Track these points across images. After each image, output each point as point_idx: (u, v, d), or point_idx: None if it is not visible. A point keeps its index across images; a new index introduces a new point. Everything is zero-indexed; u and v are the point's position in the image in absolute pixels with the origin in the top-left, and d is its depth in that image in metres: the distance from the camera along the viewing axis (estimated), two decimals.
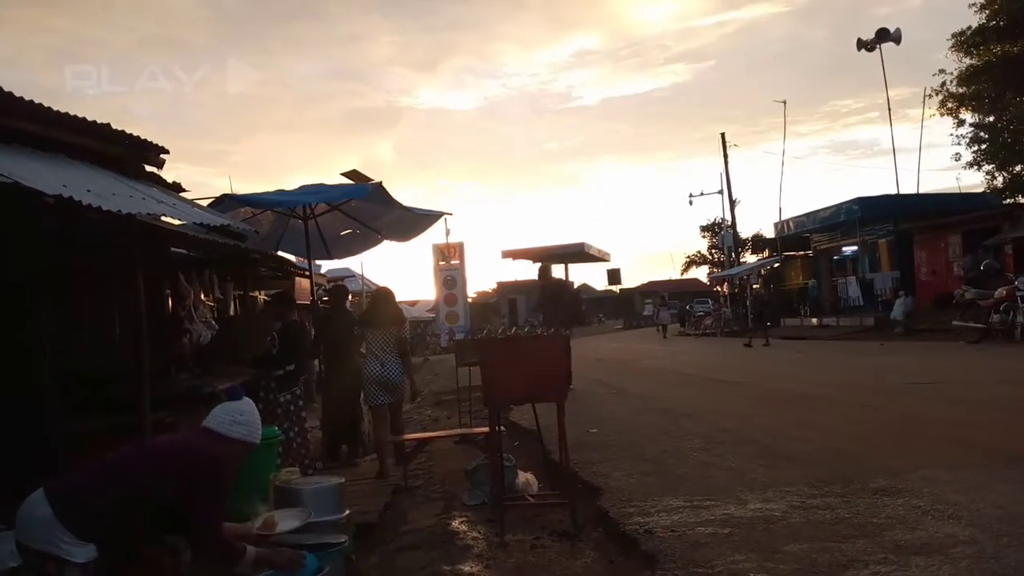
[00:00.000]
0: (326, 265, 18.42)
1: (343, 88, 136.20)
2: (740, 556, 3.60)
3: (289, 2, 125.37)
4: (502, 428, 5.49)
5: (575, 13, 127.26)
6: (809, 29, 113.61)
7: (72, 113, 4.73)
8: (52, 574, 2.79)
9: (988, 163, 28.68)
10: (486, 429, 5.79)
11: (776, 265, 34.32)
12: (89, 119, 4.89)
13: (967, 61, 27.40)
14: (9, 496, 3.23)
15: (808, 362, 15.35)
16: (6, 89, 4.19)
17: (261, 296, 12.52)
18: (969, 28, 26.89)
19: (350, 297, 10.63)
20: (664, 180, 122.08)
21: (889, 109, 39.65)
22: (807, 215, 30.18)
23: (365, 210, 8.82)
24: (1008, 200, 26.98)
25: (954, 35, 27.36)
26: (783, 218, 32.34)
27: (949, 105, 28.48)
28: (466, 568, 4.11)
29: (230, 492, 3.28)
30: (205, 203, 7.14)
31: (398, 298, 8.41)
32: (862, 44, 31.27)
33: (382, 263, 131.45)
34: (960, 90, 27.89)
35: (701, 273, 61.90)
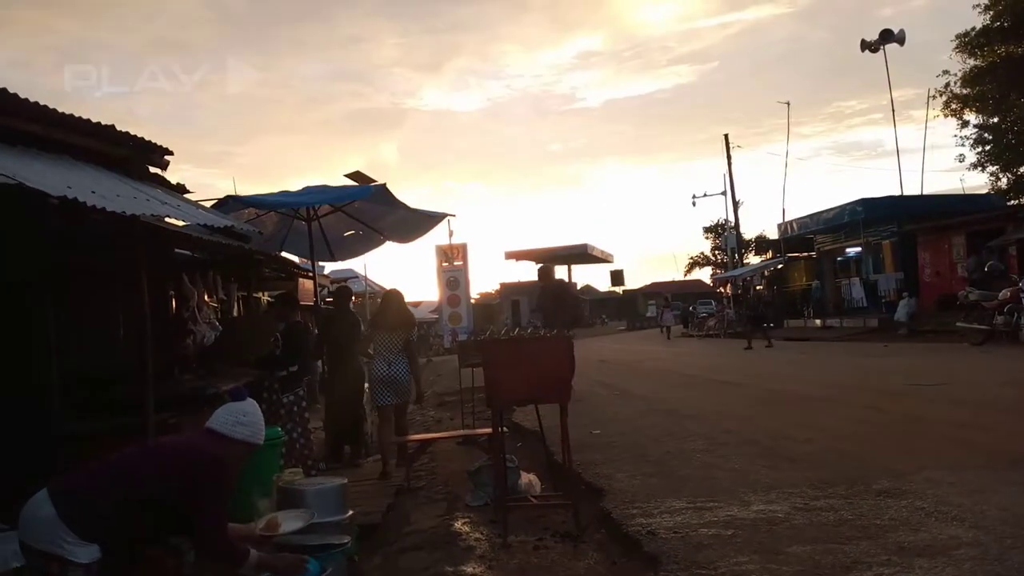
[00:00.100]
0: (329, 266, 18.42)
1: (347, 89, 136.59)
2: (743, 558, 3.60)
3: (293, 4, 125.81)
4: (505, 429, 5.49)
5: (578, 14, 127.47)
6: (812, 30, 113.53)
7: (77, 115, 4.76)
8: (55, 574, 2.80)
9: (992, 164, 28.70)
10: (489, 430, 5.78)
11: (780, 266, 34.26)
12: (94, 121, 4.92)
13: (971, 62, 27.37)
14: (13, 496, 3.24)
15: (811, 363, 15.32)
16: (11, 91, 4.21)
17: (265, 297, 12.55)
18: (973, 29, 26.89)
19: (353, 298, 10.64)
20: (667, 181, 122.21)
21: (893, 110, 39.81)
22: (811, 216, 30.13)
23: (368, 211, 8.82)
24: (1012, 201, 26.93)
25: (958, 36, 27.38)
26: (786, 219, 32.34)
27: (953, 106, 28.45)
28: (469, 569, 4.11)
29: (233, 493, 3.28)
30: (209, 204, 7.15)
31: None
32: (866, 45, 31.27)
33: (385, 264, 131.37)
34: (964, 91, 27.85)
35: (704, 274, 61.82)
